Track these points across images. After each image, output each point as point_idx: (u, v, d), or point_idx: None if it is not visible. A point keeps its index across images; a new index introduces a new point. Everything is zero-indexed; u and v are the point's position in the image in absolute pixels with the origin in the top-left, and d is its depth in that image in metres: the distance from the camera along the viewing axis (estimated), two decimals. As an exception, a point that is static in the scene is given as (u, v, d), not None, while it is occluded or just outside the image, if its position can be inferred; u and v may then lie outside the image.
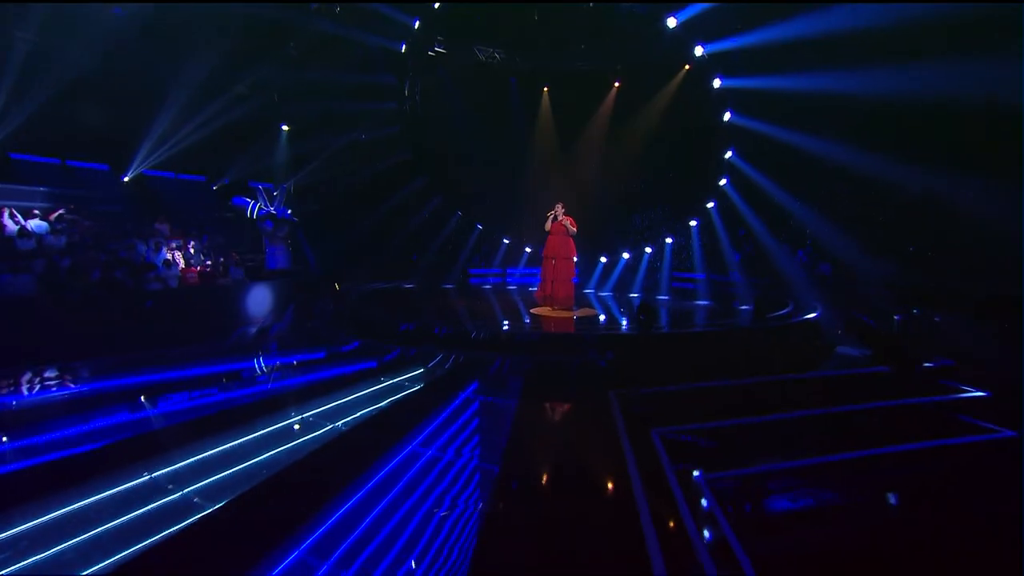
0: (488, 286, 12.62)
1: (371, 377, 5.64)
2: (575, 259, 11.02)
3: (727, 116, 10.28)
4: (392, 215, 13.67)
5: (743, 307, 9.00)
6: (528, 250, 13.59)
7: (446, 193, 13.71)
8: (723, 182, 10.63)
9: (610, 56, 13.54)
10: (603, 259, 12.52)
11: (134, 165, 11.27)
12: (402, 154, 13.60)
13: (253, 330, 8.82)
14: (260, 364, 6.48)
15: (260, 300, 10.35)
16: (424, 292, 11.65)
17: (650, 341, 6.30)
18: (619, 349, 6.07)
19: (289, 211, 12.06)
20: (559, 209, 10.78)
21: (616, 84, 14.04)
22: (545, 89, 14.73)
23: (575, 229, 10.73)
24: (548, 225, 10.84)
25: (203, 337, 7.94)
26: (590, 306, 9.61)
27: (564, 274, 10.91)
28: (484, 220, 13.89)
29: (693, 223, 11.37)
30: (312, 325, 8.81)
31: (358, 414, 4.47)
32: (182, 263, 9.41)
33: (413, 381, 5.62)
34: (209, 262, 10.10)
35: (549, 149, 14.32)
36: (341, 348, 7.13)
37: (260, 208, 12.10)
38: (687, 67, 12.69)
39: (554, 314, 8.45)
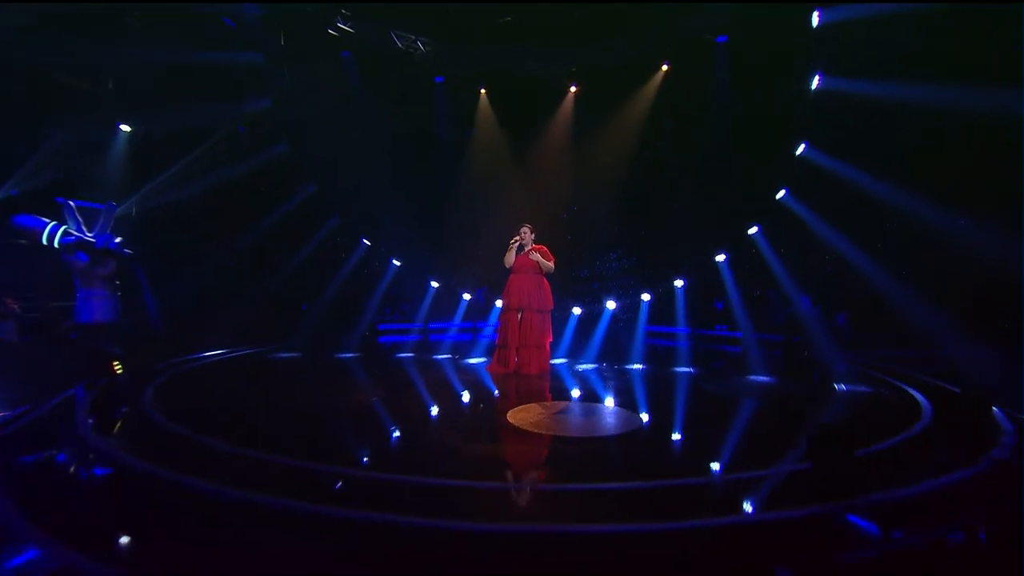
0: (409, 354, 8.27)
1: None
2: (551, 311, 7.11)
3: (815, 83, 6.87)
4: (273, 247, 9.16)
5: (841, 387, 5.48)
6: (467, 297, 9.48)
7: (348, 217, 9.39)
8: (781, 194, 7.25)
9: (569, 57, 10.42)
10: (576, 311, 8.74)
11: None
12: (285, 163, 9.22)
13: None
14: None
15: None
16: (300, 368, 7.04)
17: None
18: None
19: (118, 239, 7.41)
20: (527, 234, 6.89)
21: (572, 89, 10.89)
22: (482, 91, 11.25)
23: (552, 264, 6.87)
24: (510, 259, 6.86)
25: None
26: (586, 393, 5.48)
27: (536, 336, 6.83)
28: (403, 255, 9.64)
29: (721, 258, 7.89)
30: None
31: None
32: None
33: None
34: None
35: (492, 164, 10.63)
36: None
37: (65, 234, 7.41)
38: (665, 68, 9.97)
39: (534, 426, 4.10)
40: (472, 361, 7.61)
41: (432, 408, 4.78)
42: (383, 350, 8.57)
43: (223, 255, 9.03)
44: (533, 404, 4.77)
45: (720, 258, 7.86)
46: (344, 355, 8.00)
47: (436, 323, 9.59)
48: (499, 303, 9.59)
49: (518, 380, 6.26)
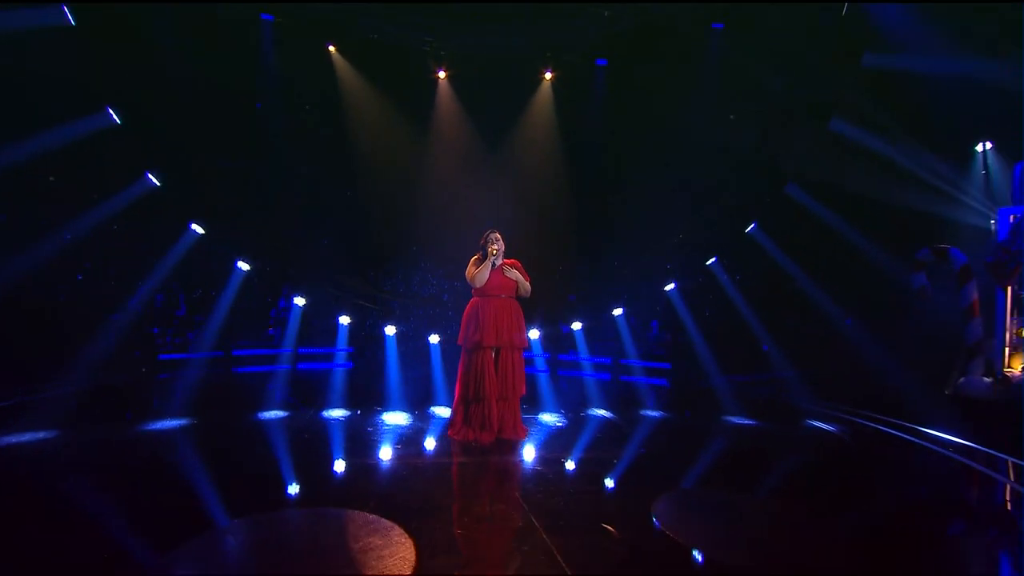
0: (278, 411, 5.17)
1: None
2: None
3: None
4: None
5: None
6: (346, 322, 6.65)
7: (171, 177, 5.64)
8: (751, 227, 6.81)
9: (437, 33, 8.66)
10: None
11: None
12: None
13: None
14: None
15: None
16: (51, 484, 3.59)
17: None
18: None
19: None
20: (499, 242, 5.05)
21: (442, 74, 9.06)
22: (331, 48, 8.58)
23: (530, 286, 5.17)
24: (484, 277, 4.89)
25: None
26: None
27: (519, 384, 5.02)
28: (253, 256, 6.24)
29: (669, 287, 7.18)
30: None
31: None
32: None
33: None
34: None
35: (369, 146, 8.02)
36: None
37: None
38: (550, 76, 9.07)
39: None
40: (394, 419, 5.18)
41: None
42: (233, 403, 5.29)
43: None
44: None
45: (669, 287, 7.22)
46: (157, 425, 4.56)
47: (243, 348, 6.57)
48: (390, 333, 7.00)
49: (506, 453, 4.33)
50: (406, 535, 2.64)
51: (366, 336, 6.75)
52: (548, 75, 8.67)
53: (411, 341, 6.79)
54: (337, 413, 5.38)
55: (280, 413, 5.28)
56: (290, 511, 2.99)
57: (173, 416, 4.88)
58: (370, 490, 3.37)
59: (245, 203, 6.35)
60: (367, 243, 7.14)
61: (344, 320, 6.63)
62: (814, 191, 6.36)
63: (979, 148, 7.51)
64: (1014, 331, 6.58)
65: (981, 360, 6.39)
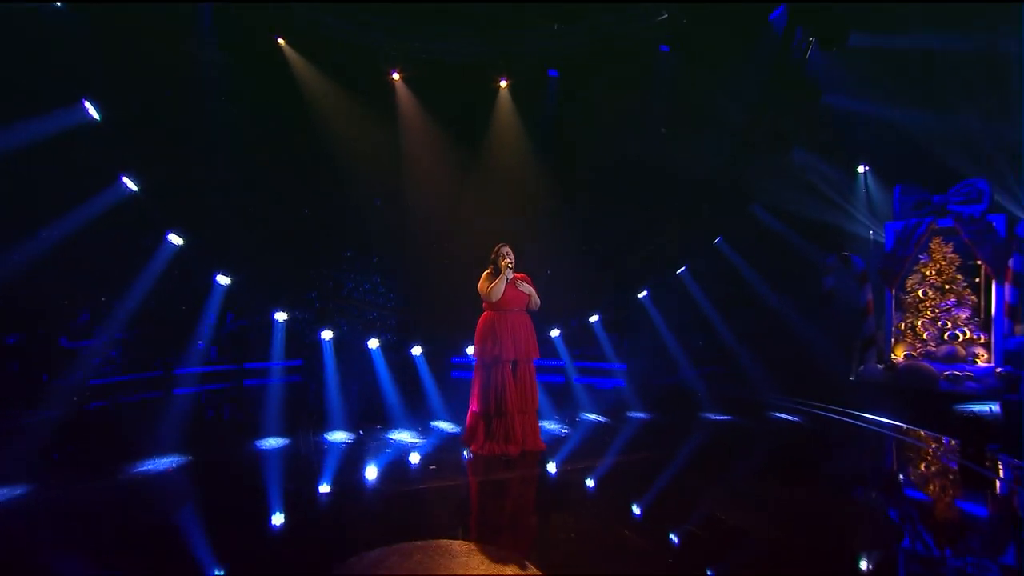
0: (276, 441, 4.74)
1: None
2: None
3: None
4: None
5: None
6: (327, 336, 6.22)
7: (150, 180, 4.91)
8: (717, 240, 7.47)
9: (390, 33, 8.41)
10: (470, 350, 6.94)
11: None
12: None
13: None
14: None
15: None
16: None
17: None
18: None
19: None
20: (511, 256, 5.21)
21: (397, 76, 8.75)
22: (281, 41, 8.03)
23: (538, 298, 5.39)
24: (499, 291, 5.05)
25: None
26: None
27: (535, 396, 5.25)
28: (235, 267, 5.59)
29: (642, 294, 7.66)
30: None
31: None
32: None
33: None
34: None
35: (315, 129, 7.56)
36: None
37: None
38: (504, 84, 9.15)
39: None
40: (402, 438, 5.09)
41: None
42: (215, 433, 4.81)
43: None
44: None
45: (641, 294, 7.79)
46: (150, 466, 4.06)
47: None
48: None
49: (538, 465, 4.54)
50: (525, 560, 2.78)
51: (346, 347, 6.48)
52: (503, 83, 8.74)
53: (396, 351, 6.65)
54: (340, 436, 5.19)
55: (279, 441, 4.95)
56: (392, 547, 2.96)
57: (161, 453, 4.38)
58: (445, 516, 3.41)
59: (210, 211, 5.77)
60: (341, 249, 6.84)
61: (327, 335, 6.31)
62: (769, 208, 7.32)
63: (860, 170, 8.91)
64: (896, 324, 8.06)
65: (874, 350, 7.77)
